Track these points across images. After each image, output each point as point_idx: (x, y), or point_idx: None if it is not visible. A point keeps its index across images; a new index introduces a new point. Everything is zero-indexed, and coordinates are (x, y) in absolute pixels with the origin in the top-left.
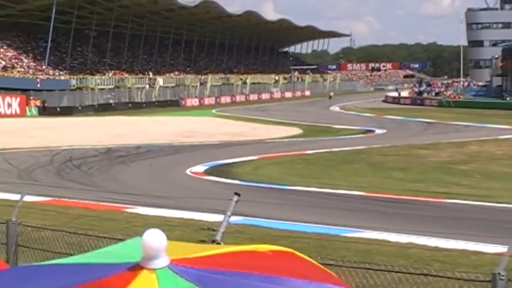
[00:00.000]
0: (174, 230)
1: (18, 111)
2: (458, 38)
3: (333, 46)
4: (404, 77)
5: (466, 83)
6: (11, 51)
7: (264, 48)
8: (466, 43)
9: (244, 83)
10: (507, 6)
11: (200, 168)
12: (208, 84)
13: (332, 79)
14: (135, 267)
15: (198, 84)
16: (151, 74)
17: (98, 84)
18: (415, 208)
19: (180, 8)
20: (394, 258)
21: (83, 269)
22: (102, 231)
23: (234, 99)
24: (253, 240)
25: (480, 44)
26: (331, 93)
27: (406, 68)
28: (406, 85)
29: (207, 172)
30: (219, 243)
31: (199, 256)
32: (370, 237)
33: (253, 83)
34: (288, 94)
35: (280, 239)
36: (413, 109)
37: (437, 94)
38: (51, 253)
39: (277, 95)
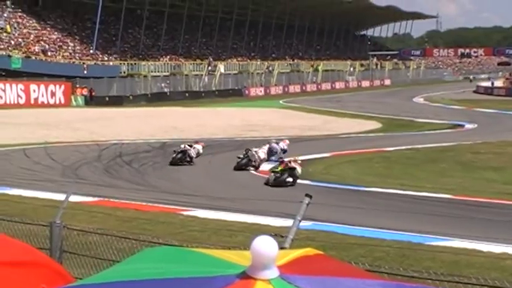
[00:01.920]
0: (236, 236)
1: (62, 101)
2: None
3: (417, 29)
4: (499, 64)
5: None
6: (55, 33)
7: (339, 31)
8: None
9: (316, 70)
10: None
11: (266, 166)
12: (275, 72)
13: (416, 66)
14: (246, 278)
15: (264, 71)
16: (211, 59)
17: (151, 71)
18: (510, 214)
19: None
20: (486, 270)
21: (178, 285)
22: (155, 235)
23: (304, 88)
24: (326, 248)
25: None
26: (471, 77)
27: (501, 54)
28: (500, 74)
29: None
30: None
31: (287, 262)
32: (458, 246)
33: (326, 71)
34: (366, 83)
35: (356, 247)
36: (508, 101)
37: None
38: (99, 260)
39: (353, 84)
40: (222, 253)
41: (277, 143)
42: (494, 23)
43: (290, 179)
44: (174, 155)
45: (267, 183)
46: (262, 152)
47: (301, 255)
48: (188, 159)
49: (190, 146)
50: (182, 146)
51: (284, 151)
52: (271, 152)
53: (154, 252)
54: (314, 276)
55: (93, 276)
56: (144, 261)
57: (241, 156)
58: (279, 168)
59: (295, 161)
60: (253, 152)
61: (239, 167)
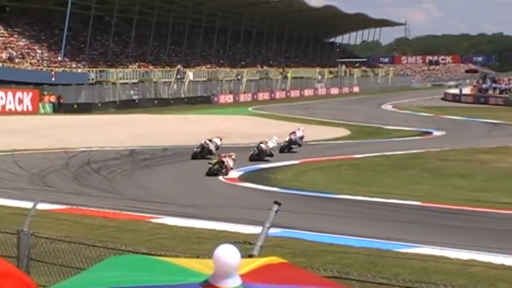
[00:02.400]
0: (205, 243)
1: (30, 108)
2: None
3: (386, 36)
4: (466, 71)
5: None
6: (23, 40)
7: (308, 38)
8: None
9: (285, 77)
10: None
11: (235, 173)
12: (244, 79)
13: (384, 74)
14: (208, 286)
15: (233, 78)
16: (180, 66)
17: (120, 78)
18: (478, 221)
19: None
20: (454, 277)
21: None
22: (123, 243)
23: (273, 95)
24: (295, 255)
25: None
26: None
27: (469, 62)
28: (468, 81)
29: (243, 178)
30: None
31: (250, 271)
32: (427, 253)
33: (295, 78)
34: (334, 90)
35: (325, 254)
36: (476, 108)
37: (503, 91)
38: (67, 268)
39: (322, 91)
40: (186, 261)
41: (295, 132)
42: (462, 31)
43: (223, 170)
44: (195, 150)
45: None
46: (271, 142)
47: (264, 264)
48: (208, 153)
49: (210, 140)
50: (202, 141)
51: (301, 137)
52: (291, 142)
53: (120, 260)
54: (277, 284)
55: (58, 284)
56: (109, 269)
57: (212, 163)
58: (214, 161)
59: (229, 156)
60: (263, 145)
61: (252, 158)
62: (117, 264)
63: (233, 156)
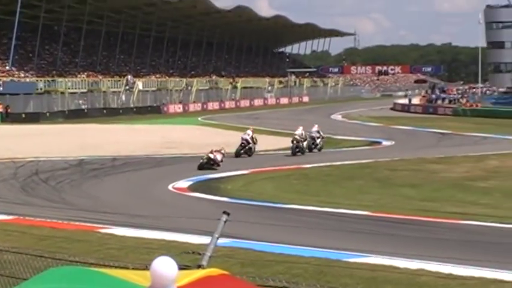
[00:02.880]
0: (154, 254)
1: None
2: (476, 38)
3: (335, 46)
4: (415, 82)
5: (484, 89)
6: None
7: (258, 48)
8: (485, 44)
9: (235, 87)
10: None
11: (184, 183)
12: (194, 89)
13: (334, 83)
14: None
15: (183, 88)
16: (129, 76)
17: (69, 88)
18: (427, 230)
19: (163, 2)
20: (403, 286)
21: None
22: (72, 254)
23: (222, 105)
24: (244, 265)
25: (501, 45)
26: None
27: (418, 72)
28: (417, 91)
29: (192, 188)
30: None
31: (189, 283)
32: (375, 262)
33: (245, 88)
34: (284, 100)
35: (275, 264)
36: (425, 118)
37: (452, 101)
38: (15, 279)
39: (271, 101)
40: (124, 273)
41: (312, 132)
42: (411, 41)
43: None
44: (201, 161)
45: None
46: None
47: (204, 276)
48: (215, 164)
49: (218, 150)
50: (208, 154)
51: (318, 131)
52: (313, 139)
53: (58, 272)
54: None
55: None
56: (47, 281)
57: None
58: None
59: (218, 151)
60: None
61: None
62: (54, 276)
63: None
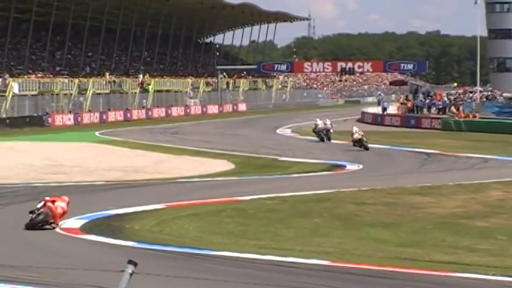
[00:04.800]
0: None
1: None
2: (473, 25)
3: (282, 36)
4: (391, 83)
5: (485, 94)
6: None
7: (176, 37)
8: (485, 33)
9: (145, 90)
10: None
11: (75, 222)
12: (89, 93)
13: (280, 86)
14: None
15: (74, 91)
16: (4, 76)
17: None
18: (406, 286)
19: None
20: None
21: None
22: None
23: (128, 115)
24: None
25: (507, 34)
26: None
27: (394, 70)
28: (393, 96)
29: (86, 228)
30: None
31: None
32: None
33: (159, 91)
34: (213, 108)
35: None
36: (404, 133)
37: (441, 110)
38: None
39: (195, 109)
40: None
41: (326, 124)
42: (385, 29)
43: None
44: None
45: None
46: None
47: None
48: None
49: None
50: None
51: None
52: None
53: None
54: None
55: None
56: None
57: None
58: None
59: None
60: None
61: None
62: None
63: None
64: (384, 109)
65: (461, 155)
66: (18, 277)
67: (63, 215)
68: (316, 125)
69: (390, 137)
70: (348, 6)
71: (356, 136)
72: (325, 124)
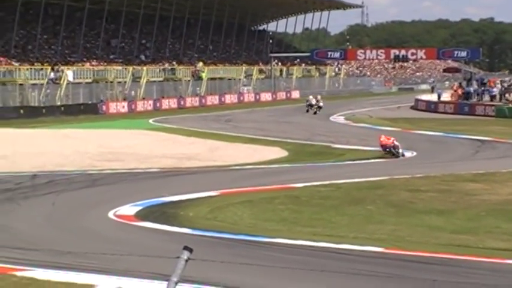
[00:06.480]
0: None
1: None
2: None
3: (336, 23)
4: (445, 71)
5: None
6: None
7: (230, 25)
8: None
9: (199, 78)
10: None
11: (130, 209)
12: (143, 80)
13: (334, 73)
14: None
15: (128, 79)
16: (58, 68)
17: None
18: (461, 272)
19: None
20: None
21: None
22: None
23: (182, 103)
24: None
25: None
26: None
27: (448, 58)
28: (447, 84)
29: (141, 216)
30: None
31: None
32: None
33: (213, 79)
34: (266, 96)
35: None
36: (458, 120)
37: (494, 98)
38: None
39: (249, 97)
40: None
41: (317, 99)
42: (439, 16)
43: None
44: None
45: None
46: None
47: None
48: None
49: None
50: None
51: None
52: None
53: None
54: None
55: None
56: None
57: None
58: None
59: None
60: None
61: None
62: None
63: None
64: (438, 97)
65: None
66: (74, 263)
67: None
68: (307, 100)
69: (444, 124)
70: None
71: (313, 102)
72: (317, 101)
